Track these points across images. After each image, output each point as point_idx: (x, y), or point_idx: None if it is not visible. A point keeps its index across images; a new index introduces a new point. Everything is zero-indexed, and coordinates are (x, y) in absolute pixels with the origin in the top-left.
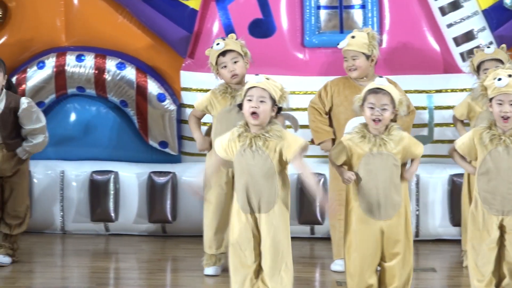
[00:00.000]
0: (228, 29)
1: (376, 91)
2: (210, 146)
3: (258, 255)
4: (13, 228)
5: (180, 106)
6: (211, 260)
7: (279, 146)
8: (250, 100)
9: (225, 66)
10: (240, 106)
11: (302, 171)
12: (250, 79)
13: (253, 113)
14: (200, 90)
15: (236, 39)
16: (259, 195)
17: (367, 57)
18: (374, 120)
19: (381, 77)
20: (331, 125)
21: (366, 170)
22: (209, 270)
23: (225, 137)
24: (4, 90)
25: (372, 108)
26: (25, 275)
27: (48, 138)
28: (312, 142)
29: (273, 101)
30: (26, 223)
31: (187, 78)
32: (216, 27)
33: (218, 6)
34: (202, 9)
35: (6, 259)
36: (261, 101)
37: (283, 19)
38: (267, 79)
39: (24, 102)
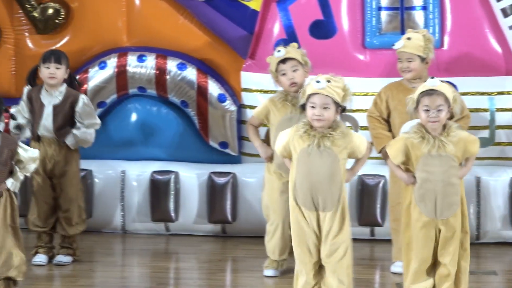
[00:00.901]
0: (289, 30)
1: (430, 92)
2: (271, 153)
3: (318, 252)
4: (68, 229)
5: (241, 106)
6: (273, 265)
7: (347, 145)
8: (313, 107)
9: (284, 74)
10: (303, 106)
11: (362, 163)
12: (312, 82)
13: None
14: (261, 91)
15: (298, 47)
16: (325, 193)
17: (422, 59)
18: (430, 123)
19: (432, 77)
20: (390, 131)
21: (424, 171)
22: (269, 272)
23: (284, 135)
24: (65, 84)
25: (427, 110)
26: (86, 274)
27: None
28: (371, 144)
29: (337, 104)
30: (81, 225)
31: (247, 78)
32: (277, 28)
33: (279, 7)
34: (263, 10)
35: (67, 259)
36: (325, 108)
37: (343, 20)
38: (328, 81)
39: (84, 97)
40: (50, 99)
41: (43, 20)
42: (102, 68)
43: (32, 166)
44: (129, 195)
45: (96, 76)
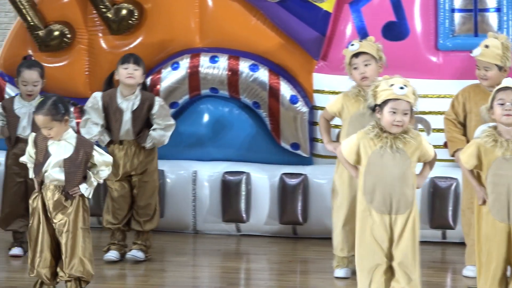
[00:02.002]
0: (361, 32)
1: (505, 88)
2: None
3: (389, 255)
4: (143, 224)
5: (312, 108)
6: (342, 262)
7: (418, 147)
8: (394, 113)
9: (356, 68)
10: (373, 108)
11: (431, 168)
12: (394, 88)
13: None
14: (333, 93)
15: (374, 42)
16: (398, 196)
17: (500, 68)
18: (505, 116)
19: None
20: (465, 134)
21: (496, 175)
22: (340, 272)
23: (353, 139)
24: (139, 88)
25: (502, 104)
26: (157, 274)
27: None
28: (445, 145)
29: (412, 109)
30: (156, 220)
31: (319, 80)
32: (349, 29)
33: (351, 9)
34: (335, 11)
35: (140, 254)
36: (405, 114)
37: (416, 21)
38: (405, 86)
39: (159, 100)
40: (128, 104)
41: (116, 21)
42: (174, 69)
43: (105, 172)
44: (201, 196)
45: (169, 77)
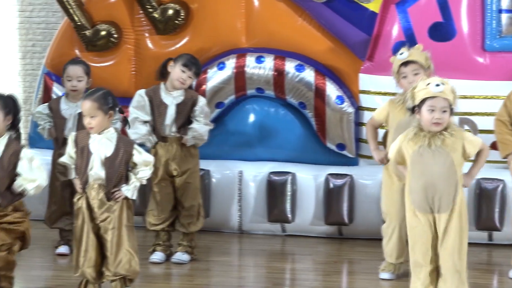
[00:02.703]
0: (408, 32)
1: None
2: (386, 157)
3: (435, 255)
4: (188, 226)
5: (358, 109)
6: (389, 268)
7: (459, 144)
8: (432, 111)
9: (405, 77)
10: (412, 110)
11: (479, 166)
12: (430, 85)
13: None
14: (379, 93)
15: (423, 50)
16: (440, 194)
17: None
18: None
19: None
20: None
21: None
22: (385, 275)
23: (396, 141)
24: None
25: None
26: (203, 273)
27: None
28: (492, 146)
29: (450, 107)
30: (201, 221)
31: (365, 80)
32: (395, 30)
33: (398, 9)
34: (381, 12)
35: (185, 257)
36: (444, 111)
37: (463, 22)
38: (443, 84)
39: (203, 98)
40: (172, 98)
41: (163, 21)
42: (220, 69)
43: (146, 172)
44: (246, 196)
45: (215, 77)
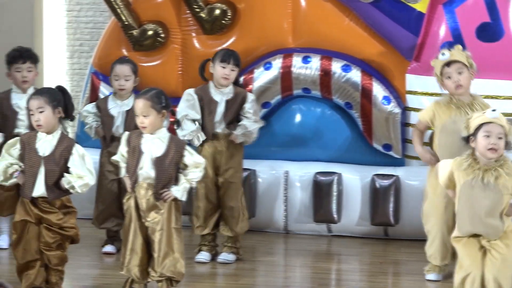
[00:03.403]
0: (455, 33)
1: None
2: (433, 157)
3: (482, 265)
4: (231, 228)
5: (405, 109)
6: (435, 270)
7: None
8: (488, 136)
9: (449, 77)
10: (466, 139)
11: None
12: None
13: (492, 149)
14: (425, 94)
15: (463, 50)
16: (486, 227)
17: None
18: None
19: None
20: None
21: None
22: (431, 276)
23: (447, 166)
24: (232, 84)
25: None
26: (248, 273)
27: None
28: None
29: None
30: (245, 223)
31: (412, 81)
32: (442, 30)
33: (445, 10)
34: (429, 12)
35: (231, 257)
36: (499, 138)
37: (511, 22)
38: (493, 110)
39: (252, 95)
40: (222, 95)
41: (210, 21)
42: (267, 69)
43: (195, 174)
44: (292, 196)
45: (261, 77)
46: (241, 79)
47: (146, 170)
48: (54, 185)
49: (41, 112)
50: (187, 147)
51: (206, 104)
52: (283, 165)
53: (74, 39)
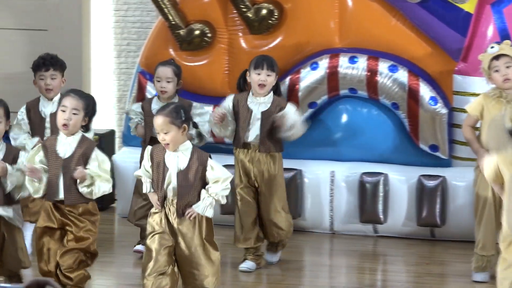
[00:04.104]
0: (503, 33)
1: None
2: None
3: None
4: (277, 235)
5: (452, 110)
6: (482, 262)
7: None
8: None
9: (497, 70)
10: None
11: None
12: None
13: None
14: (472, 94)
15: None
16: None
17: None
18: None
19: None
20: None
21: None
22: (478, 276)
23: (493, 160)
24: (272, 92)
25: None
26: (294, 273)
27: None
28: None
29: None
30: (289, 229)
31: (459, 82)
32: (490, 31)
33: (493, 10)
34: (476, 13)
35: (275, 258)
36: None
37: None
38: None
39: (291, 106)
40: (258, 105)
41: (256, 21)
42: (314, 69)
43: (218, 188)
44: (338, 196)
45: (308, 77)
46: (287, 79)
47: (174, 186)
48: (73, 189)
49: (74, 114)
50: (210, 160)
51: (242, 111)
52: (329, 165)
53: (121, 38)
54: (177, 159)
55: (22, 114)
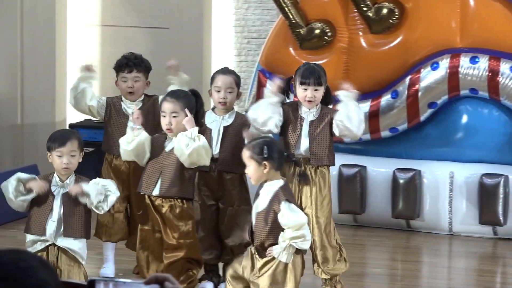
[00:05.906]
0: None
1: None
2: None
3: None
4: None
5: None
6: None
7: None
8: None
9: None
10: None
11: None
12: None
13: None
14: None
15: None
16: None
17: None
18: None
19: None
20: None
21: None
22: None
23: None
24: (320, 103)
25: None
26: (412, 274)
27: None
28: None
29: None
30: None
31: None
32: None
33: None
34: None
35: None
36: None
37: None
38: None
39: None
40: (308, 114)
41: (377, 20)
42: (434, 68)
43: (289, 234)
44: (457, 197)
45: (428, 77)
46: (407, 79)
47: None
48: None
49: (174, 117)
50: (284, 203)
51: (293, 121)
52: (449, 166)
53: (242, 37)
54: (262, 198)
55: (103, 100)
